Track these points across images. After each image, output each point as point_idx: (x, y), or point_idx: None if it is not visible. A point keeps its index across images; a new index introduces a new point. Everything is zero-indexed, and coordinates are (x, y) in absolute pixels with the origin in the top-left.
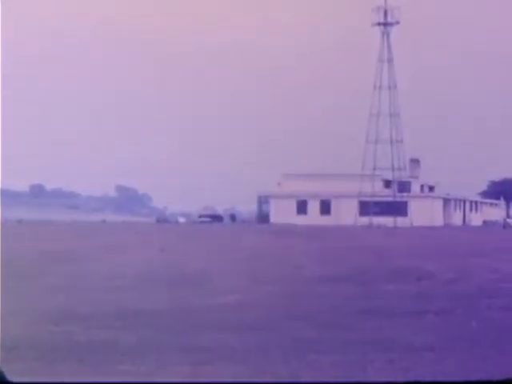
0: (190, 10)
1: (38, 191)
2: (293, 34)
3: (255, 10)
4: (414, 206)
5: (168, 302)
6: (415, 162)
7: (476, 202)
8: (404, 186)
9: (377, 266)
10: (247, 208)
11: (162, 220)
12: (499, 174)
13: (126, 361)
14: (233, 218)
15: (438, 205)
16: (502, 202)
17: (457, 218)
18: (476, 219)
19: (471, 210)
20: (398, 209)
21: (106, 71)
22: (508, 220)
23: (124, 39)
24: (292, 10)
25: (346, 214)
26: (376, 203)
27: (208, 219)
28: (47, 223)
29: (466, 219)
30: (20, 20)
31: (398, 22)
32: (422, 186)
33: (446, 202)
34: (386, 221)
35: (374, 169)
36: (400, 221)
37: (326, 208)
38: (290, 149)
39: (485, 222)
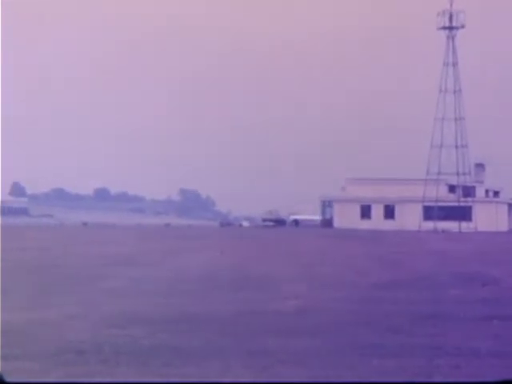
0: (192, 9)
1: (102, 195)
2: (360, 38)
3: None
4: (478, 211)
5: (231, 306)
6: (480, 166)
7: None
8: (469, 191)
9: (441, 271)
10: (311, 212)
11: (226, 224)
12: None
13: (189, 364)
14: (296, 222)
15: (503, 210)
16: None
17: None
18: None
19: None
20: (462, 214)
21: (166, 72)
22: None
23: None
24: (357, 14)
25: (410, 218)
26: (440, 208)
27: (271, 223)
28: (112, 226)
29: None
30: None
31: (463, 26)
32: (486, 191)
33: (511, 207)
34: (451, 225)
35: (439, 173)
36: (464, 226)
37: (390, 212)
38: (355, 153)
39: None
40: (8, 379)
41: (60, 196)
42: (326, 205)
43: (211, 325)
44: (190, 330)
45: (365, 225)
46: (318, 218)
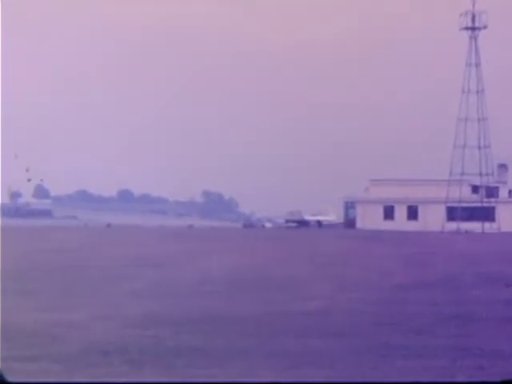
0: (192, 9)
1: (126, 196)
2: (380, 37)
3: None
4: (501, 212)
5: (255, 307)
6: (503, 167)
7: None
8: (492, 192)
9: (465, 272)
10: (334, 213)
11: (249, 225)
12: None
13: (213, 365)
14: (319, 223)
15: None
16: None
17: None
18: None
19: None
20: (485, 214)
21: (185, 72)
22: None
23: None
24: (378, 14)
25: (434, 219)
26: (463, 208)
27: (294, 224)
28: (135, 228)
29: None
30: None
31: (485, 27)
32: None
33: None
34: (474, 226)
35: (462, 174)
36: (488, 226)
37: (413, 213)
38: (377, 153)
39: None
40: (9, 379)
41: (83, 198)
42: (349, 206)
43: (234, 326)
44: (214, 331)
45: (388, 226)
46: (331, 218)
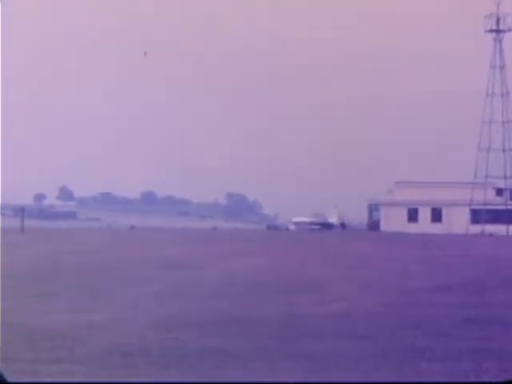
0: (194, 8)
1: (149, 198)
2: (408, 38)
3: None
4: None
5: (279, 309)
6: None
7: None
8: None
9: (489, 275)
10: (357, 216)
11: (273, 227)
12: None
13: (236, 367)
14: (343, 225)
15: None
16: None
17: None
18: None
19: None
20: (510, 217)
21: (208, 72)
22: None
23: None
24: (405, 15)
25: (458, 222)
26: (488, 211)
27: (318, 227)
28: (158, 230)
29: None
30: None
31: (510, 29)
32: None
33: None
34: (498, 229)
35: (486, 177)
36: None
37: (437, 216)
38: (402, 156)
39: None
40: (9, 379)
41: (107, 200)
42: (373, 208)
43: (258, 327)
44: (237, 332)
45: (412, 228)
46: (333, 220)
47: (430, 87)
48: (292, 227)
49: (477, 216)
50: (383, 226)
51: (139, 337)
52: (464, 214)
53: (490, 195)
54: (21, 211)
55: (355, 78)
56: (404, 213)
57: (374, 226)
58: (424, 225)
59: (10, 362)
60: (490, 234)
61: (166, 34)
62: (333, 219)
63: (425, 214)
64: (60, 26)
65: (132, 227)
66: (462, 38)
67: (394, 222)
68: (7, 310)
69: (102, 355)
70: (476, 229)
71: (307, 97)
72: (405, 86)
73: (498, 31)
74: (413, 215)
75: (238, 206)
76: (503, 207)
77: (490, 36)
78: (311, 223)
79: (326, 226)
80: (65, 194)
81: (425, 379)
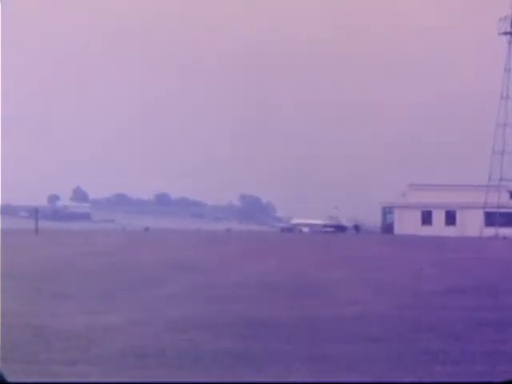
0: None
1: (163, 200)
2: (424, 39)
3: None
4: None
5: (292, 311)
6: None
7: None
8: None
9: (503, 278)
10: (371, 218)
11: (287, 229)
12: None
13: (251, 369)
14: (357, 228)
15: None
16: None
17: None
18: None
19: None
20: None
21: (220, 71)
22: None
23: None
24: (419, 15)
25: (472, 224)
26: (502, 214)
27: (331, 229)
28: (173, 231)
29: None
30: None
31: None
32: None
33: None
34: None
35: (501, 179)
36: None
37: (451, 219)
38: (415, 158)
39: None
40: (9, 379)
41: (121, 201)
42: (387, 211)
43: (272, 330)
44: (251, 335)
45: (426, 231)
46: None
47: (444, 90)
48: (306, 229)
49: (491, 219)
50: (397, 229)
51: (153, 338)
52: (478, 217)
53: (504, 198)
54: (35, 212)
55: (368, 78)
56: (418, 215)
57: (387, 228)
58: (438, 227)
59: (26, 364)
60: (504, 237)
61: (165, 33)
62: (333, 221)
63: (439, 217)
64: (60, 25)
65: (146, 229)
66: (477, 41)
67: (407, 224)
68: (21, 311)
69: (117, 357)
70: (490, 232)
71: (321, 97)
72: (418, 89)
73: None
74: (426, 218)
75: (252, 209)
76: None
77: (505, 39)
78: (325, 225)
79: (340, 228)
80: (79, 195)
81: (437, 380)
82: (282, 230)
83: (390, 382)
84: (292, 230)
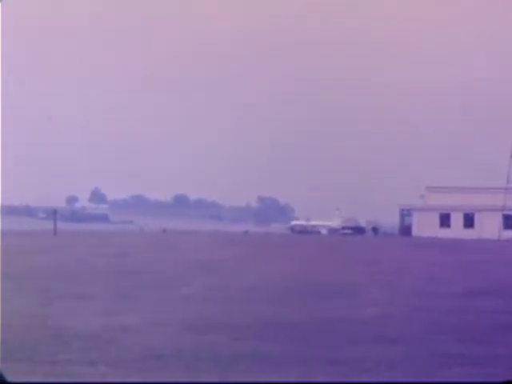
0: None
1: (181, 201)
2: (443, 40)
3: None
4: None
5: (310, 313)
6: None
7: None
8: None
9: None
10: (389, 220)
11: (304, 231)
12: None
13: (270, 371)
14: (375, 230)
15: None
16: None
17: None
18: None
19: None
20: None
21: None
22: None
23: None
24: (436, 17)
25: (490, 227)
26: None
27: (350, 231)
28: (191, 233)
29: None
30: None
31: None
32: None
33: None
34: None
35: None
36: None
37: (469, 221)
38: (433, 161)
39: None
40: (9, 379)
41: (140, 202)
42: (405, 213)
43: (291, 332)
44: (270, 336)
45: (444, 233)
46: (334, 224)
47: (463, 90)
48: (324, 231)
49: (509, 222)
50: (415, 231)
51: (172, 340)
52: (496, 220)
53: None
54: (53, 214)
55: (387, 78)
56: (436, 218)
57: (405, 230)
58: (456, 230)
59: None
60: None
61: (166, 33)
62: (334, 222)
63: (457, 220)
64: (60, 25)
65: (164, 230)
66: (495, 40)
67: (425, 227)
68: (39, 312)
69: (135, 358)
70: (508, 234)
71: (339, 99)
72: (437, 90)
73: None
74: (445, 220)
75: (269, 210)
76: None
77: None
78: (343, 227)
79: (358, 230)
80: (97, 196)
81: (438, 380)
82: (292, 230)
83: (388, 381)
84: (309, 231)
